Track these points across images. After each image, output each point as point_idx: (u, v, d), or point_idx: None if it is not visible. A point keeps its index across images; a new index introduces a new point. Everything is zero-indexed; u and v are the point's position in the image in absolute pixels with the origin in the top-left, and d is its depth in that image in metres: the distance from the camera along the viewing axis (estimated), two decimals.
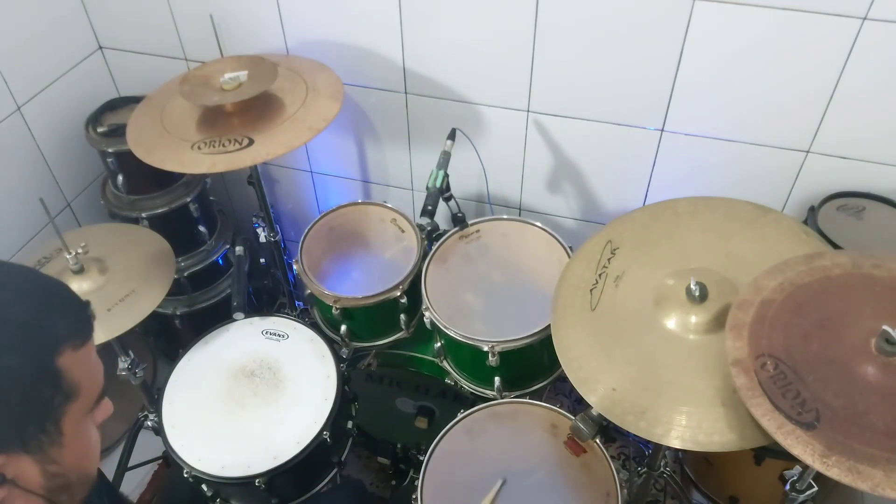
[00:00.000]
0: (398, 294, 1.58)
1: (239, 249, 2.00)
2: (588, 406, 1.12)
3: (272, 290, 2.29)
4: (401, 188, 2.02)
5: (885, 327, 0.88)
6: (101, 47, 1.99)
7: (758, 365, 0.94)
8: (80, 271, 1.40)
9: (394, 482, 1.90)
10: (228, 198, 2.27)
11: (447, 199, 1.59)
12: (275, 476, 1.39)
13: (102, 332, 1.33)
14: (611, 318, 1.17)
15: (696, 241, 1.24)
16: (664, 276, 1.18)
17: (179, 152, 1.48)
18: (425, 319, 1.53)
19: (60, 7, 1.85)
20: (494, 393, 1.52)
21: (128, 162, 1.74)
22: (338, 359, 1.55)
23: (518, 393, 1.54)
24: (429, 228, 1.54)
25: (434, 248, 1.63)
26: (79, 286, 1.39)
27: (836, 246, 1.37)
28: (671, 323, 1.12)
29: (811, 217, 1.49)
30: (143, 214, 1.86)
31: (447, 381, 1.61)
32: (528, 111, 1.69)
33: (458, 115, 1.75)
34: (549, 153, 1.76)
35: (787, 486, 1.07)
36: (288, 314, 1.67)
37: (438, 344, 1.59)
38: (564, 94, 1.63)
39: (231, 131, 1.51)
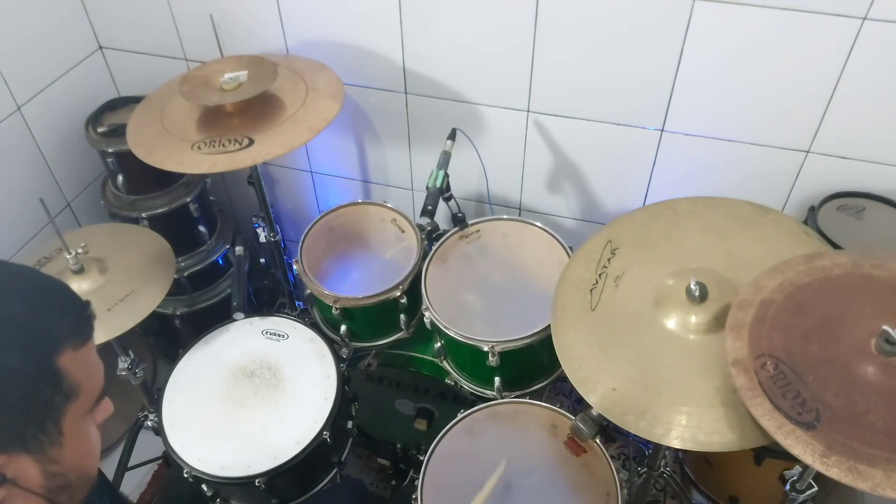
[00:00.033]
0: (398, 294, 1.58)
1: (239, 249, 2.00)
2: (588, 406, 1.12)
3: (272, 290, 2.29)
4: (401, 188, 2.02)
5: (885, 327, 0.88)
6: (101, 47, 1.99)
7: (758, 365, 0.94)
8: (80, 271, 1.40)
9: (394, 482, 1.90)
10: (228, 198, 2.27)
11: (447, 199, 1.59)
12: (275, 476, 1.39)
13: (102, 332, 1.33)
14: (611, 318, 1.17)
15: (696, 241, 1.24)
16: (664, 276, 1.18)
17: (179, 152, 1.48)
18: (425, 319, 1.53)
19: (60, 7, 1.85)
20: (494, 393, 1.52)
21: (128, 162, 1.74)
22: (338, 359, 1.55)
23: (518, 393, 1.54)
24: (429, 228, 1.54)
25: (434, 248, 1.63)
26: (79, 286, 1.39)
27: (836, 246, 1.37)
28: (671, 323, 1.12)
29: (811, 217, 1.49)
30: (143, 214, 1.86)
31: (447, 381, 1.61)
32: (528, 111, 1.69)
33: (458, 115, 1.75)
34: (549, 153, 1.76)
35: (787, 486, 1.07)
36: (288, 314, 1.67)
37: (438, 344, 1.59)
38: (564, 94, 1.63)
39: (231, 131, 1.51)
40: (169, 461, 1.65)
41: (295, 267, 1.66)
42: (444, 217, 1.66)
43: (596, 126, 1.65)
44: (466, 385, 1.58)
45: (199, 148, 1.48)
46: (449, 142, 1.60)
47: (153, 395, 1.63)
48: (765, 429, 0.88)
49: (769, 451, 1.43)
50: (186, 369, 1.56)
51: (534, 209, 1.91)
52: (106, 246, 1.49)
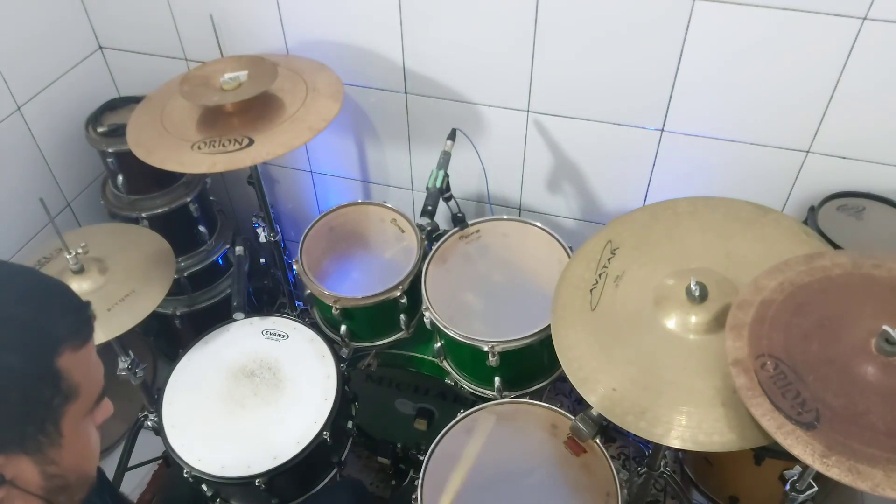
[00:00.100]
0: (398, 294, 1.58)
1: (239, 249, 2.00)
2: (588, 406, 1.12)
3: (272, 290, 2.29)
4: (401, 188, 2.02)
5: (885, 327, 0.88)
6: (101, 47, 1.99)
7: (758, 365, 0.94)
8: (80, 271, 1.40)
9: (394, 482, 1.90)
10: (228, 198, 2.27)
11: (447, 199, 1.59)
12: (275, 476, 1.39)
13: (102, 332, 1.33)
14: (611, 318, 1.17)
15: (696, 241, 1.24)
16: (664, 276, 1.18)
17: (179, 152, 1.48)
18: (425, 319, 1.53)
19: (60, 7, 1.85)
20: (494, 393, 1.52)
21: (128, 162, 1.74)
22: (338, 359, 1.55)
23: (518, 393, 1.54)
24: (429, 228, 1.54)
25: (434, 248, 1.63)
26: (79, 286, 1.39)
27: (836, 246, 1.37)
28: (671, 323, 1.12)
29: (811, 217, 1.49)
30: (143, 214, 1.86)
31: (447, 381, 1.61)
32: (528, 111, 1.69)
33: (458, 115, 1.75)
34: (549, 153, 1.76)
35: (787, 486, 1.07)
36: (288, 314, 1.67)
37: (438, 344, 1.59)
38: (564, 94, 1.63)
39: (231, 131, 1.51)
40: (169, 461, 1.65)
41: (295, 267, 1.66)
42: (444, 217, 1.66)
43: (596, 126, 1.65)
44: (466, 385, 1.58)
45: (199, 148, 1.48)
46: (449, 142, 1.60)
47: (153, 395, 1.63)
48: (765, 429, 0.88)
49: (769, 451, 1.43)
50: (186, 369, 1.56)
51: (534, 209, 1.91)
52: (106, 246, 1.49)
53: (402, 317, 1.66)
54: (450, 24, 1.61)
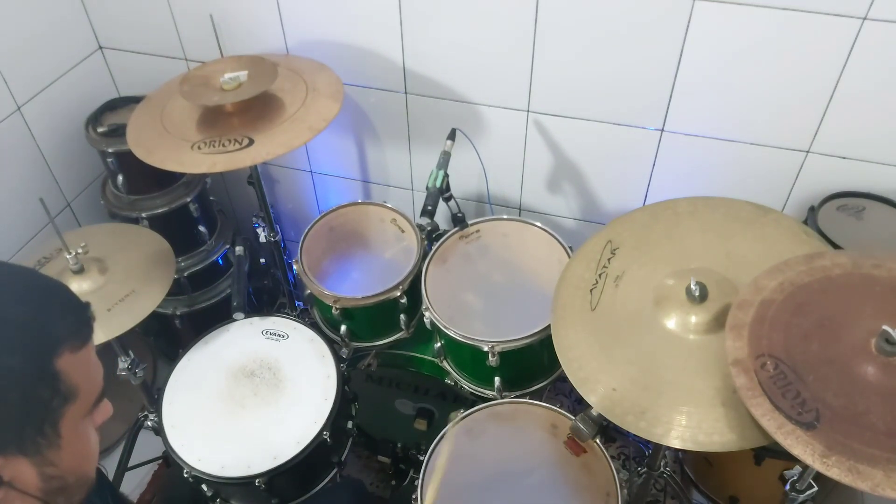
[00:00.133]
0: (398, 294, 1.58)
1: (239, 249, 2.00)
2: (588, 406, 1.12)
3: (272, 290, 2.29)
4: (401, 188, 2.02)
5: (885, 327, 0.88)
6: (101, 47, 1.99)
7: (758, 365, 0.94)
8: (80, 271, 1.40)
9: (394, 482, 1.90)
10: (228, 198, 2.27)
11: (447, 199, 1.59)
12: (275, 476, 1.39)
13: (102, 332, 1.33)
14: (611, 318, 1.17)
15: (696, 241, 1.24)
16: (664, 276, 1.18)
17: (179, 152, 1.48)
18: (425, 319, 1.53)
19: (60, 7, 1.85)
20: (494, 393, 1.52)
21: (128, 162, 1.74)
22: (338, 359, 1.55)
23: (518, 393, 1.54)
24: (429, 228, 1.54)
25: (434, 248, 1.63)
26: (79, 286, 1.39)
27: (836, 246, 1.37)
28: (671, 323, 1.12)
29: (811, 217, 1.49)
30: (143, 214, 1.86)
31: (447, 381, 1.61)
32: (528, 111, 1.69)
33: (458, 115, 1.75)
34: (549, 153, 1.76)
35: (787, 486, 1.07)
36: (288, 314, 1.67)
37: (438, 344, 1.59)
38: (564, 94, 1.63)
39: (231, 131, 1.51)
40: (169, 461, 1.65)
41: (295, 267, 1.66)
42: (444, 217, 1.66)
43: (596, 126, 1.65)
44: (466, 385, 1.58)
45: (199, 148, 1.48)
46: (449, 142, 1.60)
47: (153, 395, 1.63)
48: (765, 429, 0.88)
49: (769, 451, 1.43)
50: (186, 369, 1.56)
51: (534, 209, 1.91)
52: (106, 246, 1.49)
53: (402, 317, 1.66)
54: (450, 24, 1.61)
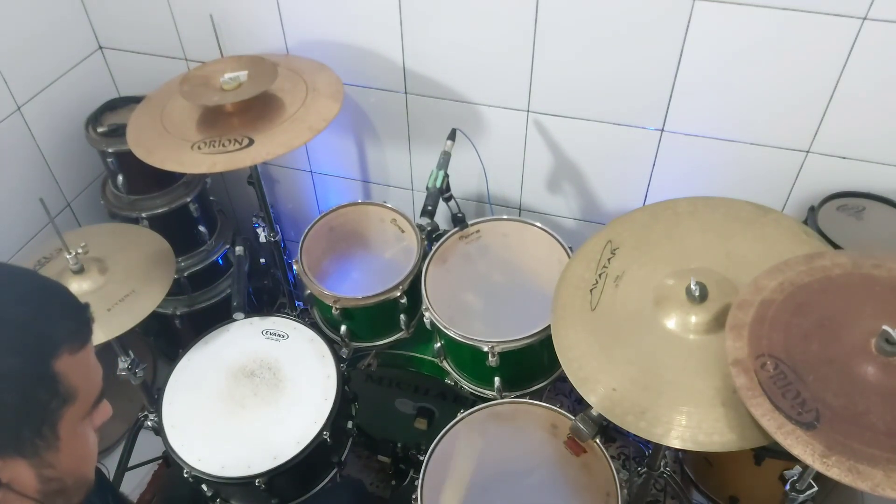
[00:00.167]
0: (398, 294, 1.58)
1: (239, 249, 2.00)
2: (588, 406, 1.12)
3: (272, 290, 2.29)
4: (401, 188, 2.02)
5: (885, 327, 0.88)
6: (101, 47, 1.99)
7: (758, 365, 0.94)
8: (80, 271, 1.40)
9: (394, 482, 1.90)
10: (228, 198, 2.27)
11: (447, 199, 1.59)
12: (275, 476, 1.39)
13: (102, 332, 1.33)
14: (611, 318, 1.17)
15: (696, 241, 1.24)
16: (664, 276, 1.18)
17: (179, 152, 1.48)
18: (425, 319, 1.53)
19: (60, 7, 1.85)
20: (494, 393, 1.52)
21: (128, 162, 1.74)
22: (338, 359, 1.55)
23: (518, 393, 1.54)
24: (429, 228, 1.54)
25: (434, 248, 1.63)
26: (79, 286, 1.39)
27: (836, 246, 1.37)
28: (671, 323, 1.12)
29: (811, 217, 1.49)
30: (143, 214, 1.86)
31: (447, 381, 1.61)
32: (528, 111, 1.69)
33: (458, 115, 1.75)
34: (549, 153, 1.76)
35: (787, 486, 1.07)
36: (288, 314, 1.67)
37: (438, 344, 1.59)
38: (564, 94, 1.63)
39: (231, 131, 1.51)
40: (169, 461, 1.65)
41: (295, 267, 1.66)
42: (444, 217, 1.66)
43: (596, 126, 1.65)
44: (466, 385, 1.58)
45: (199, 148, 1.48)
46: (449, 142, 1.60)
47: (153, 395, 1.63)
48: (765, 429, 0.88)
49: (769, 451, 1.43)
50: (186, 369, 1.56)
51: (534, 209, 1.91)
52: (106, 246, 1.49)
53: (402, 317, 1.66)
54: (450, 24, 1.61)
